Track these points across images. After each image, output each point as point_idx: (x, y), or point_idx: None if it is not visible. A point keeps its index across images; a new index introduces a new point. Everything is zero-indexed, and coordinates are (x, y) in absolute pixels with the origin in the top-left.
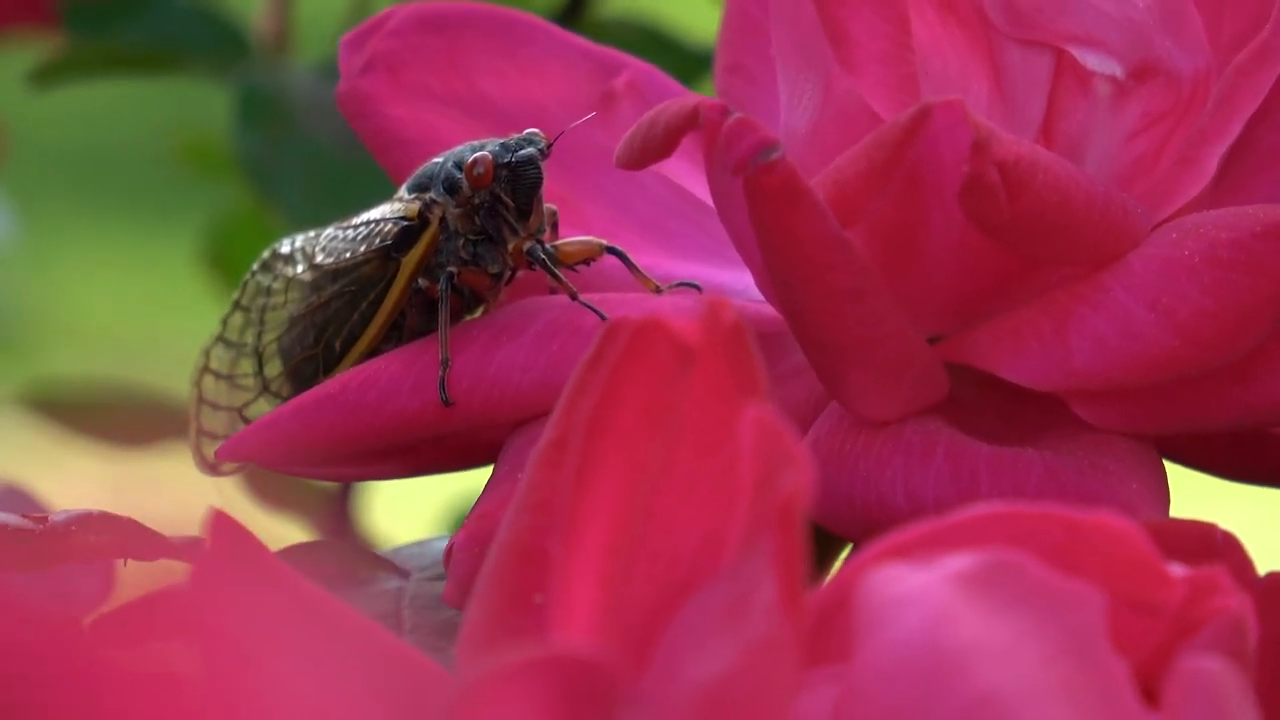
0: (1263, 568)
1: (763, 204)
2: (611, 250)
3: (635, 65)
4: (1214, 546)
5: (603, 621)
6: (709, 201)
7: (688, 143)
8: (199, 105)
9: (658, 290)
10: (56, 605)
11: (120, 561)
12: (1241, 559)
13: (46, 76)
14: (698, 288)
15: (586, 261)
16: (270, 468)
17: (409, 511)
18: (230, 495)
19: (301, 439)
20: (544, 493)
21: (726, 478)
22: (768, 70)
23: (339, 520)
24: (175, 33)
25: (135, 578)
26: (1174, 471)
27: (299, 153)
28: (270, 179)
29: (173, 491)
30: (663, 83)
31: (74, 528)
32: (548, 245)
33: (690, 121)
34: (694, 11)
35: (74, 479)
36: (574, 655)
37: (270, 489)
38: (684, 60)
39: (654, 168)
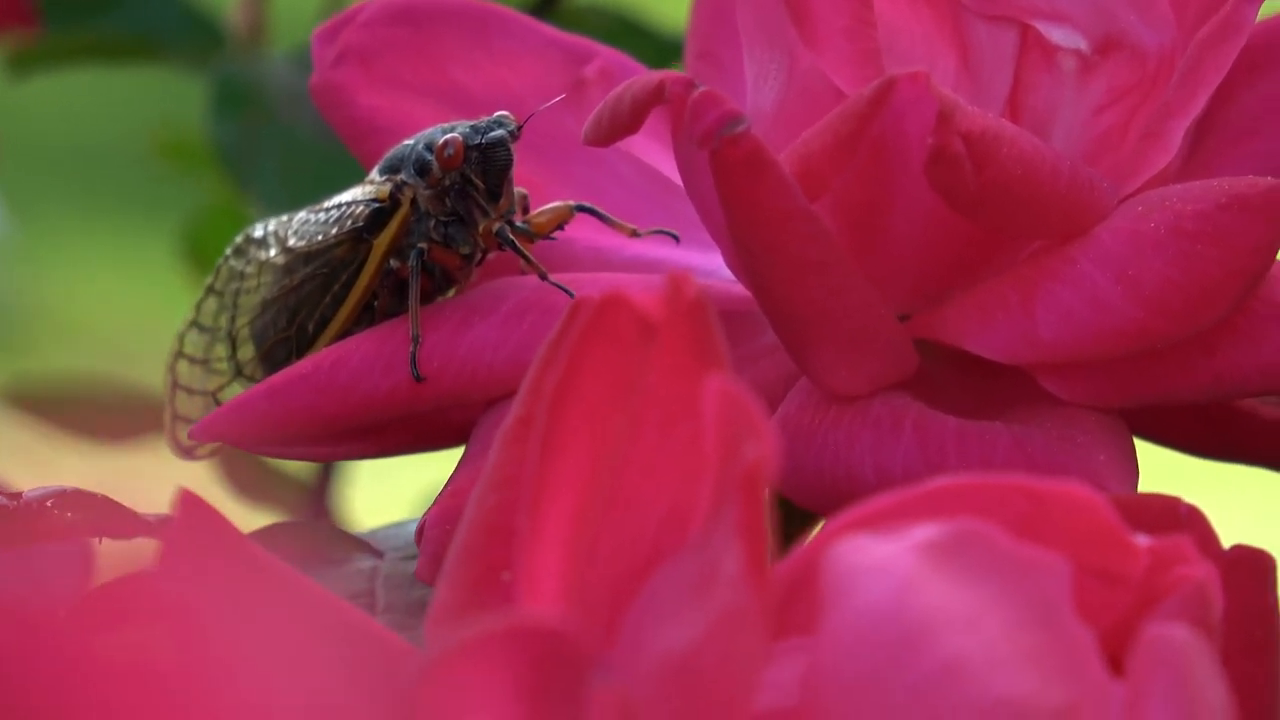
0: (1229, 543)
1: (729, 176)
2: (582, 207)
3: (606, 53)
4: (1178, 519)
5: (569, 596)
6: (678, 181)
7: (656, 122)
8: (186, 102)
9: (635, 234)
10: (30, 589)
11: (96, 540)
12: (1206, 532)
13: (23, 65)
14: (675, 236)
15: (561, 225)
16: (243, 448)
17: (387, 501)
18: (211, 487)
19: (273, 419)
20: (510, 470)
21: (690, 450)
22: (736, 57)
23: (317, 511)
24: (151, 24)
25: (111, 557)
26: (1143, 456)
27: (276, 142)
28: (247, 169)
29: (155, 486)
30: (633, 70)
31: (49, 504)
32: (519, 223)
33: (657, 96)
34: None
35: (56, 474)
36: (541, 625)
37: (248, 480)
38: (658, 48)
39: (623, 146)
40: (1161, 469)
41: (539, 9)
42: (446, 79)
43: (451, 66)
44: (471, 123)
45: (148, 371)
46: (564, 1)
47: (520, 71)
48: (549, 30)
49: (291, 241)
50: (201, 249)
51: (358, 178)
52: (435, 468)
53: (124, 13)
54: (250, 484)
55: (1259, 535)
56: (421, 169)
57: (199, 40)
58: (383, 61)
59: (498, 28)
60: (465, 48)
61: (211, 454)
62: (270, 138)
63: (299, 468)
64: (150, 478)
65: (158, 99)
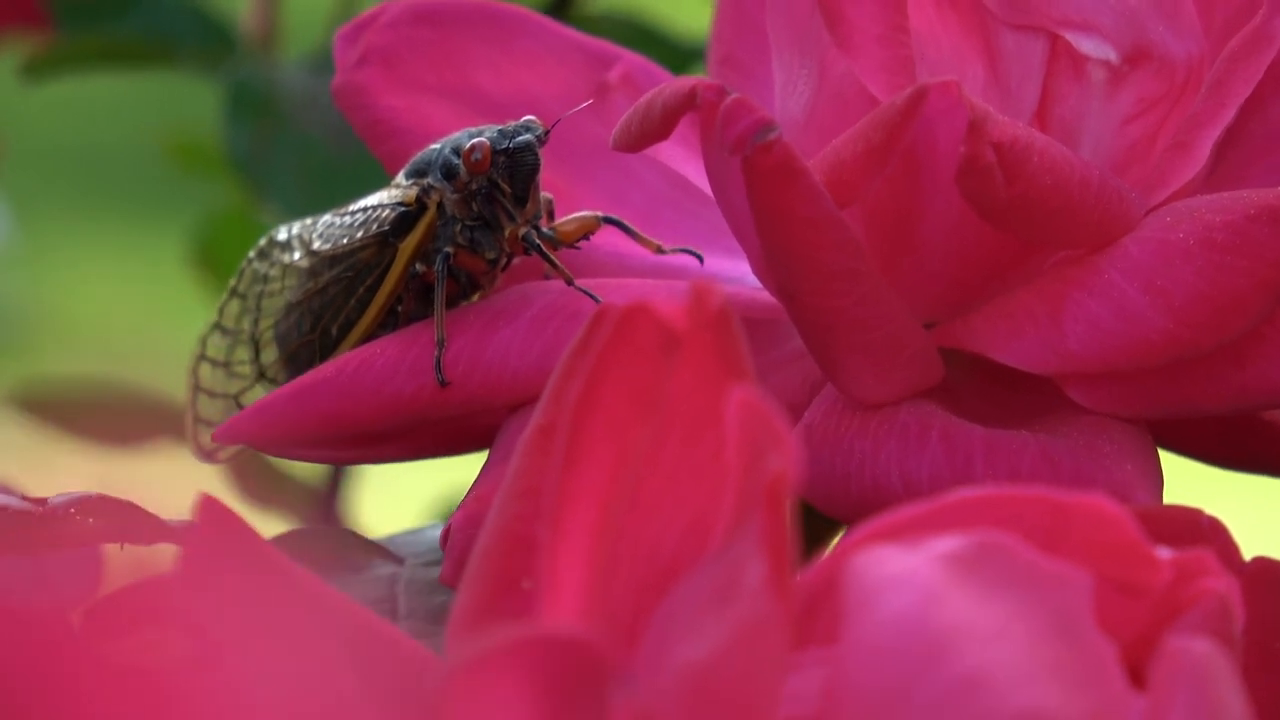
0: (1251, 554)
1: (759, 184)
2: (609, 220)
3: (629, 58)
4: (1200, 531)
5: (590, 605)
6: (704, 188)
7: (684, 127)
8: (195, 104)
9: (660, 251)
10: (42, 598)
11: (117, 546)
12: (1228, 543)
13: (38, 70)
14: (699, 256)
15: (586, 236)
16: (266, 451)
17: (397, 507)
18: (220, 492)
19: (297, 422)
20: (532, 479)
21: (713, 461)
22: (761, 62)
23: (326, 516)
24: (164, 29)
25: (132, 562)
26: (1166, 467)
27: (290, 147)
28: (261, 174)
29: (161, 491)
30: (656, 75)
31: (73, 510)
32: (545, 229)
33: (688, 102)
34: (679, 5)
35: (65, 478)
36: (564, 635)
37: (257, 485)
38: (671, 54)
39: (650, 153)
40: (1184, 480)
41: (551, 13)
42: (468, 81)
43: (473, 69)
44: (499, 127)
45: (154, 375)
46: (578, 7)
47: (542, 75)
48: (571, 33)
49: (316, 245)
50: (213, 253)
51: (372, 182)
52: (444, 474)
53: (136, 17)
54: (260, 489)
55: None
56: (448, 173)
57: (211, 44)
58: (405, 63)
59: (520, 30)
60: (487, 50)
61: (233, 457)
62: (285, 143)
63: (308, 473)
64: (157, 482)
65: (162, 101)
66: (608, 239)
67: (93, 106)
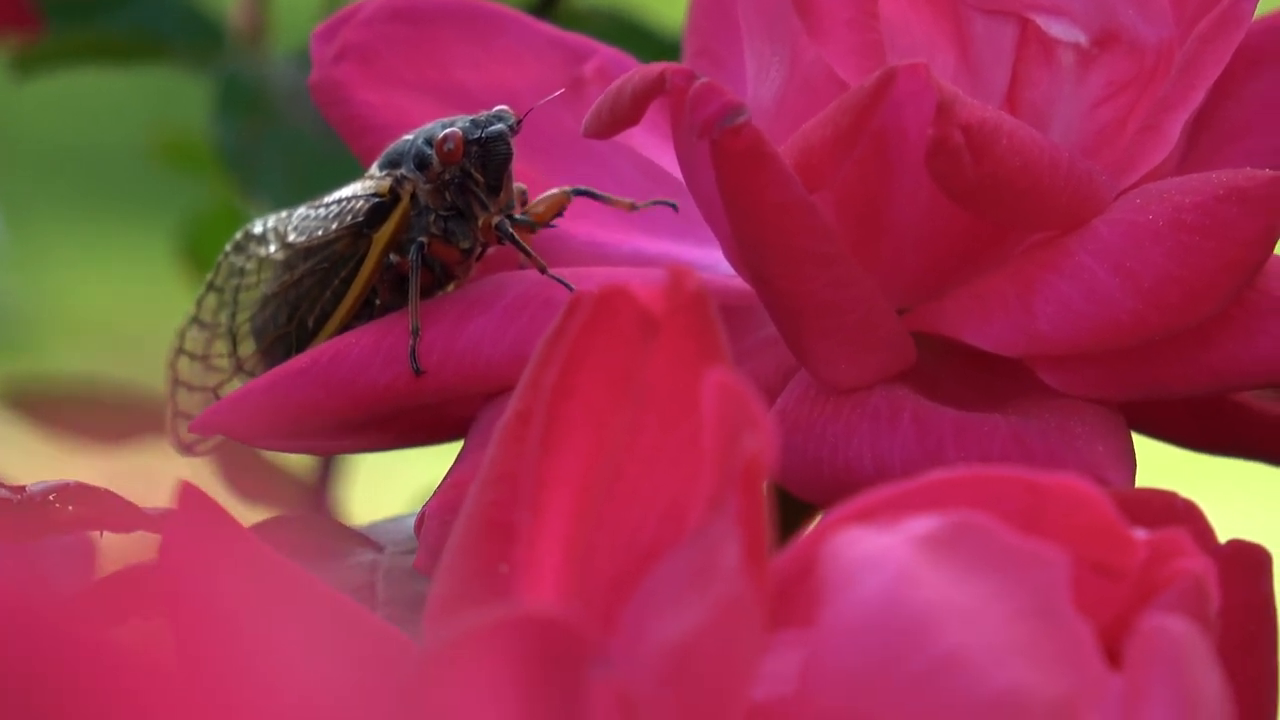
0: (1226, 538)
1: (729, 167)
2: (579, 191)
3: (605, 51)
4: (1175, 514)
5: (568, 589)
6: (678, 177)
7: (656, 115)
8: (183, 101)
9: (633, 208)
10: (33, 583)
11: (97, 533)
12: (1203, 526)
13: (27, 65)
14: (674, 206)
15: (560, 212)
16: (243, 441)
17: (385, 500)
18: (209, 485)
19: (274, 412)
20: (509, 465)
21: (690, 444)
22: (735, 54)
23: (317, 509)
24: (153, 25)
25: (113, 550)
26: (1139, 450)
27: (280, 142)
28: (251, 169)
29: (154, 486)
30: (631, 68)
31: (51, 498)
32: (518, 216)
33: (657, 87)
34: (670, 1)
35: (55, 475)
36: (543, 615)
37: (247, 479)
38: (658, 49)
39: (624, 141)
40: (1157, 463)
41: (539, 9)
42: (445, 77)
43: (450, 64)
44: (471, 117)
45: (147, 372)
46: (564, 2)
47: (519, 70)
48: (548, 29)
49: (291, 237)
50: (200, 249)
51: (361, 176)
52: (433, 466)
53: (126, 13)
54: (249, 483)
55: (1254, 529)
56: (421, 163)
57: (200, 40)
58: (382, 59)
59: (497, 26)
60: (464, 46)
61: (213, 449)
62: (275, 139)
63: (298, 466)
64: (149, 478)
65: (155, 98)
66: (584, 228)
67: (88, 106)
